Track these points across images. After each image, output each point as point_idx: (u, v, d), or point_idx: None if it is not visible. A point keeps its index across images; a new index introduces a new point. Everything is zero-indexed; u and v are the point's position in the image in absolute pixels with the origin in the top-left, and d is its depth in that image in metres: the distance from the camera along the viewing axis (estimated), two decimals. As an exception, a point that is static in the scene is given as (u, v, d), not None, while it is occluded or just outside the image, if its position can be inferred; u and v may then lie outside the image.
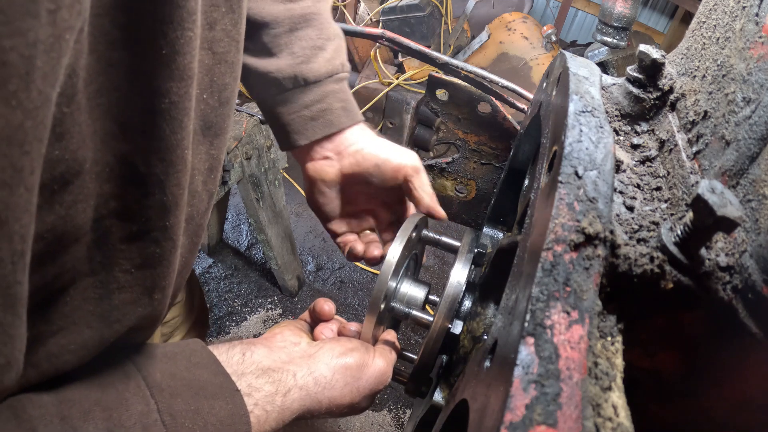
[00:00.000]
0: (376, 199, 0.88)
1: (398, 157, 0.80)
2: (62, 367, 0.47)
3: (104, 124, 0.41)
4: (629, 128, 0.61)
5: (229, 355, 0.61)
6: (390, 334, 0.78)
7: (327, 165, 0.83)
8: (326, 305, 0.77)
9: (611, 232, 0.40)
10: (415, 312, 0.74)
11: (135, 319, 0.51)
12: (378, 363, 0.70)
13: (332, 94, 0.81)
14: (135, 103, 0.42)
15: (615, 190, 0.51)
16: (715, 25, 0.58)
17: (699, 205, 0.36)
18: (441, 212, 0.81)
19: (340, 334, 0.76)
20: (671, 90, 0.60)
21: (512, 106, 1.03)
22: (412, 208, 0.86)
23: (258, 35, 0.77)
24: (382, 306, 0.71)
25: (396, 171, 0.80)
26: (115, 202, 0.45)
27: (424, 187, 0.80)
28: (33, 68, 0.30)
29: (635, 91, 0.60)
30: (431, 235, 0.81)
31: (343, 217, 0.89)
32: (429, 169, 1.03)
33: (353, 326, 0.77)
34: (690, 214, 0.39)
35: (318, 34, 0.79)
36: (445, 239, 0.81)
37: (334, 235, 0.91)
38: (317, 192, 0.85)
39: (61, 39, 0.31)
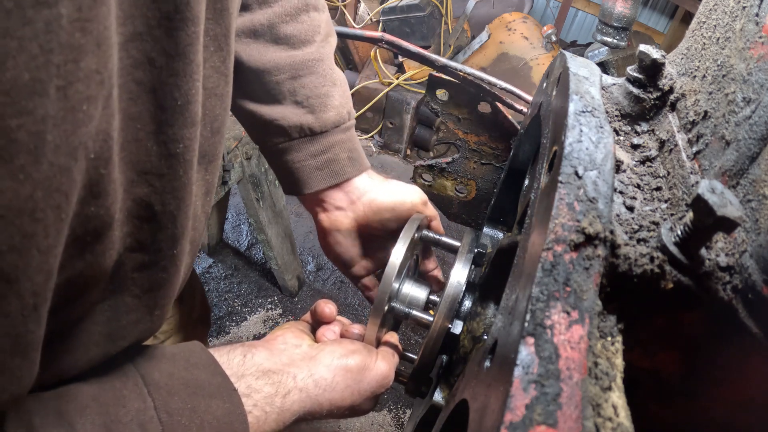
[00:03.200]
0: (391, 238, 0.88)
1: (410, 197, 0.82)
2: (66, 378, 0.49)
3: (126, 174, 0.44)
4: (629, 128, 0.61)
5: (230, 357, 0.61)
6: (392, 336, 0.78)
7: (341, 216, 0.84)
8: (327, 307, 0.77)
9: (611, 232, 0.40)
10: (415, 312, 0.74)
11: (137, 334, 0.53)
12: (380, 366, 0.70)
13: (339, 144, 0.81)
14: (153, 150, 0.45)
15: (615, 190, 0.51)
16: (715, 25, 0.58)
17: (699, 205, 0.36)
18: (441, 231, 0.87)
19: (342, 336, 0.76)
20: (671, 90, 0.60)
21: (511, 107, 1.03)
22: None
23: (261, 82, 0.77)
24: (386, 308, 0.71)
25: (410, 210, 0.82)
26: (130, 239, 0.47)
27: (434, 214, 0.85)
28: (43, 142, 0.31)
29: (635, 91, 0.60)
30: (431, 235, 0.82)
31: (366, 261, 0.90)
32: (429, 169, 1.03)
33: (356, 328, 0.76)
34: (690, 214, 0.39)
35: (322, 81, 0.79)
36: (445, 239, 0.81)
37: (356, 280, 0.92)
38: (333, 242, 0.86)
39: (77, 111, 0.33)
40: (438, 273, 0.92)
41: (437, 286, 0.92)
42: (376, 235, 0.87)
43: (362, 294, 0.93)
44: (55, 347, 0.46)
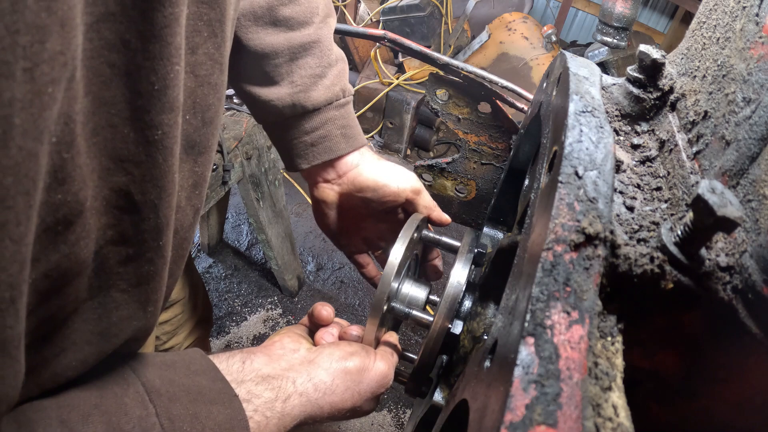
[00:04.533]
0: (384, 222, 0.91)
1: (397, 182, 0.84)
2: (63, 381, 0.49)
3: (100, 161, 0.42)
4: (629, 128, 0.61)
5: (229, 364, 0.61)
6: (391, 336, 0.78)
7: (328, 188, 0.88)
8: (324, 310, 0.77)
9: (611, 232, 0.40)
10: (415, 312, 0.74)
11: (131, 331, 0.52)
12: (379, 366, 0.70)
13: (332, 121, 0.84)
14: (129, 137, 0.43)
15: (615, 190, 0.51)
16: (715, 26, 0.58)
17: (699, 205, 0.36)
18: (446, 218, 0.88)
19: (341, 338, 0.76)
20: (671, 90, 0.60)
21: (512, 106, 1.03)
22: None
23: (260, 66, 0.79)
24: (385, 308, 0.71)
25: (396, 195, 0.84)
26: (111, 231, 0.46)
27: (428, 205, 0.86)
28: (11, 127, 0.30)
29: (635, 91, 0.60)
30: (431, 235, 0.82)
31: (354, 238, 0.94)
32: (429, 169, 1.03)
33: (354, 330, 0.76)
34: (690, 214, 0.39)
35: (318, 62, 0.81)
36: (445, 239, 0.81)
37: (349, 253, 0.95)
38: (322, 213, 0.91)
39: (42, 94, 0.32)
40: (438, 262, 0.93)
41: (435, 275, 0.92)
42: (362, 213, 0.89)
43: (358, 271, 0.97)
44: (46, 347, 0.45)
